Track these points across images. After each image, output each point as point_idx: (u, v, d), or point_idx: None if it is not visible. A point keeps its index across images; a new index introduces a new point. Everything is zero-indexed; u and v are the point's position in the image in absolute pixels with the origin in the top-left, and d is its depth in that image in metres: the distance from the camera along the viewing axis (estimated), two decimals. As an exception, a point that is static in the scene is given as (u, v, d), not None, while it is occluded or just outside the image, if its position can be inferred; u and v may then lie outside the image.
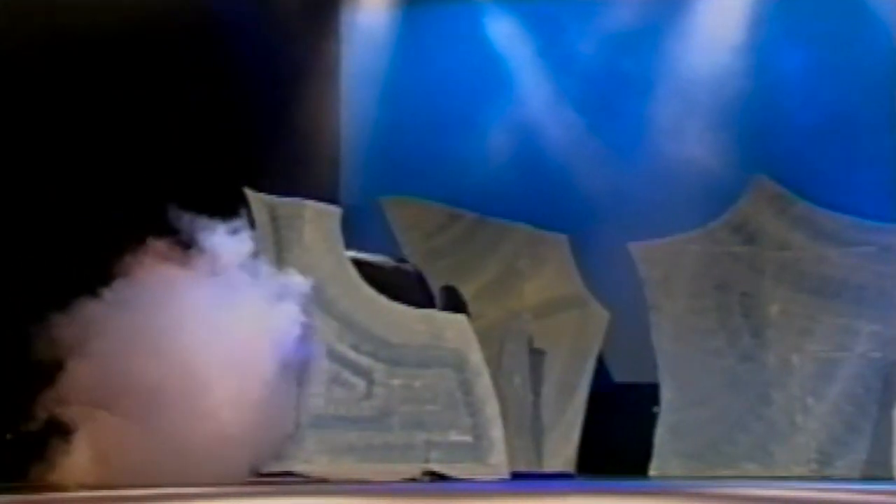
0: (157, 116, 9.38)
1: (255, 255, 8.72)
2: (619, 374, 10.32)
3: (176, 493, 7.04)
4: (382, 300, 8.89)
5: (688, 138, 10.21)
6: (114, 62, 9.19)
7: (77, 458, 8.02)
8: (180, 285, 8.29)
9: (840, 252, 9.51)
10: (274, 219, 9.08)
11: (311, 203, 9.15)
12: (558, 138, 10.56)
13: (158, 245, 8.36)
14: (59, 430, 8.10)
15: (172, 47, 9.55)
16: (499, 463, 8.62)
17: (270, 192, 9.21)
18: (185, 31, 9.61)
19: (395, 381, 8.75)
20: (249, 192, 9.04)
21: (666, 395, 9.57)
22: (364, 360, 8.82)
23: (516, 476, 8.77)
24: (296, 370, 8.73)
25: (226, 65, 9.93)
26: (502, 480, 8.53)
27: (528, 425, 9.74)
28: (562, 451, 9.84)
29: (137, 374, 8.07)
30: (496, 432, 8.62)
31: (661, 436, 9.48)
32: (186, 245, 8.49)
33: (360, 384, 8.77)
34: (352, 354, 8.88)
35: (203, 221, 8.55)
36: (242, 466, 8.19)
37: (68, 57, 8.89)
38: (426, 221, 10.65)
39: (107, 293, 8.26)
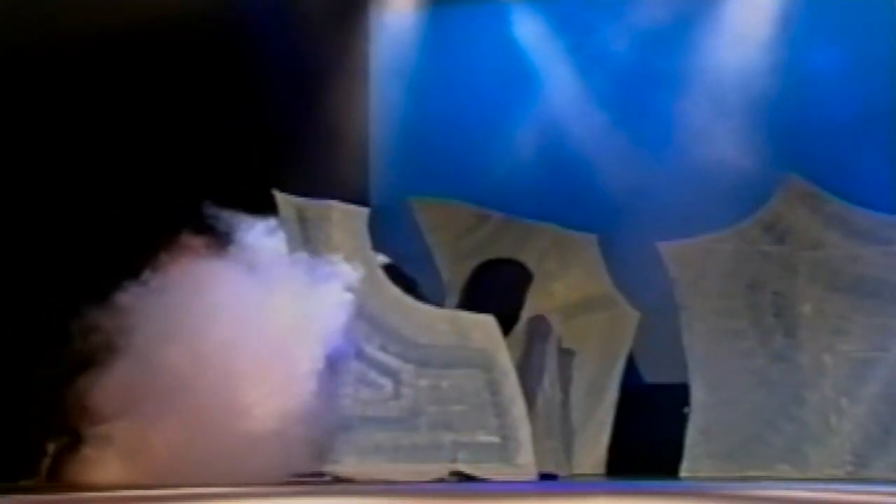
0: (189, 115, 9.50)
1: (294, 249, 8.74)
2: (650, 375, 10.26)
3: (196, 492, 7.05)
4: (409, 301, 8.88)
5: (718, 136, 10.13)
6: (149, 63, 9.35)
7: (110, 456, 8.07)
8: (217, 279, 8.31)
9: (875, 250, 9.38)
10: (302, 220, 9.10)
11: (338, 204, 9.15)
12: (586, 137, 10.53)
13: (194, 240, 8.39)
14: (93, 428, 8.18)
15: (204, 48, 9.66)
16: (526, 463, 8.60)
17: (299, 191, 9.23)
18: (217, 31, 9.71)
19: (423, 382, 8.74)
20: (277, 194, 9.07)
21: (696, 395, 9.48)
22: (392, 361, 8.81)
23: (544, 477, 8.72)
24: (334, 366, 8.69)
25: (255, 65, 10.00)
26: (530, 481, 8.48)
27: (557, 426, 9.69)
28: (592, 452, 9.80)
29: (173, 369, 8.10)
30: (523, 433, 8.60)
31: (692, 436, 9.40)
32: (223, 241, 8.52)
33: (388, 385, 8.77)
34: (380, 355, 8.88)
35: (239, 218, 8.58)
36: (280, 465, 8.16)
37: (111, 56, 9.08)
38: (454, 222, 10.63)
39: (143, 287, 8.31)
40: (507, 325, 9.24)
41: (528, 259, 10.40)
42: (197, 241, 8.41)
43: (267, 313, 8.37)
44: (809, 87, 10.18)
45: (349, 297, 8.71)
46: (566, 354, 9.97)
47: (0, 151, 8.84)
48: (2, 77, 8.65)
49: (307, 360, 8.42)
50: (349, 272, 8.79)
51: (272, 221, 8.80)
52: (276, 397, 8.23)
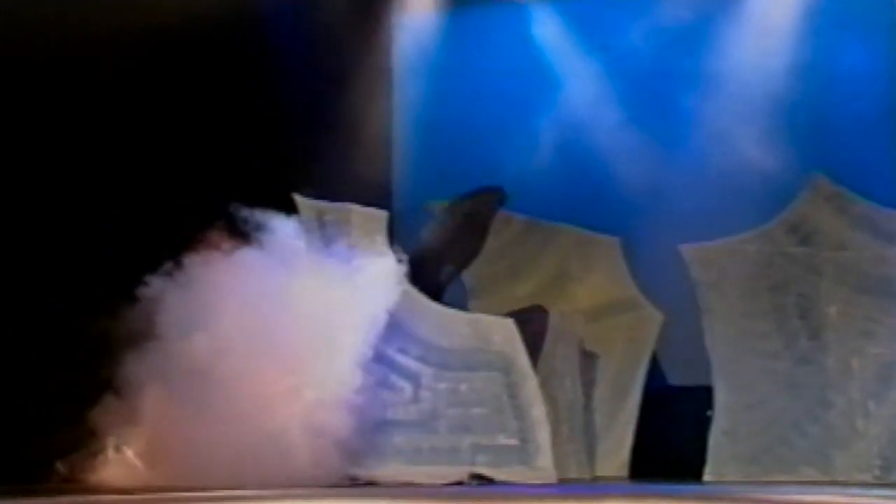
0: (213, 116, 9.61)
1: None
2: (673, 377, 10.19)
3: (215, 496, 7.08)
4: (429, 303, 8.87)
5: (741, 136, 10.02)
6: (176, 65, 9.50)
7: (131, 458, 8.11)
8: (246, 274, 8.33)
9: (902, 251, 9.28)
10: (322, 224, 9.13)
11: (357, 207, 9.17)
12: (608, 139, 10.46)
13: (221, 237, 8.42)
14: (112, 427, 8.24)
15: (226, 49, 9.79)
16: (545, 466, 8.56)
17: (322, 193, 9.26)
18: (240, 33, 9.83)
19: (442, 385, 8.73)
20: (297, 197, 9.10)
21: (720, 398, 9.39)
22: (412, 364, 8.80)
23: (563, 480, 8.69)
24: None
25: (278, 67, 10.07)
26: (549, 484, 8.45)
27: (580, 429, 9.65)
28: (615, 455, 9.75)
29: (199, 362, 8.11)
30: (542, 435, 8.56)
31: (716, 440, 9.31)
32: (251, 238, 8.56)
33: (408, 388, 8.77)
34: (400, 358, 8.87)
35: (267, 216, 8.62)
36: (310, 468, 8.15)
37: (143, 56, 9.24)
38: (476, 225, 10.60)
39: (169, 281, 8.36)
40: None
41: (552, 261, 10.38)
42: (223, 239, 8.44)
43: (301, 306, 8.33)
44: (835, 85, 10.04)
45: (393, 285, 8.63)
46: (589, 357, 9.93)
47: (41, 148, 9.06)
48: (39, 73, 8.85)
49: (349, 352, 8.37)
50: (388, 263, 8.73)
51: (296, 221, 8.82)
52: (312, 394, 8.19)
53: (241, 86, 9.91)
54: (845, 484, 8.79)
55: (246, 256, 8.46)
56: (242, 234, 8.59)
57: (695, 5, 10.35)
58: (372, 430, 8.64)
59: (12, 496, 7.15)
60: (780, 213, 9.55)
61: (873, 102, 9.90)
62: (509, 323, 8.85)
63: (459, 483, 8.50)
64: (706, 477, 9.20)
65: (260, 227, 8.58)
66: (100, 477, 8.06)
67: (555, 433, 9.32)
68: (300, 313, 8.34)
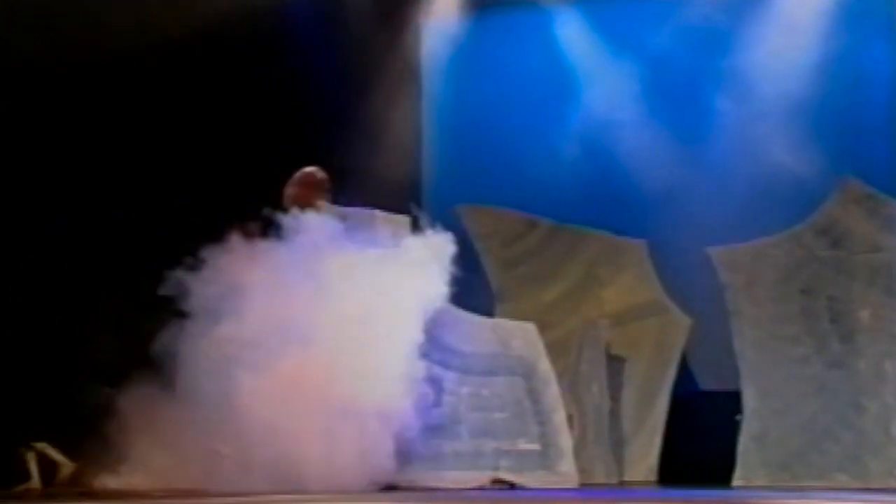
0: (239, 117, 9.71)
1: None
2: (702, 382, 10.09)
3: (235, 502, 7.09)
4: (450, 308, 8.85)
5: (769, 138, 9.91)
6: (201, 66, 9.59)
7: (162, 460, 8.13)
8: (276, 268, 8.26)
9: (937, 253, 9.12)
10: (345, 227, 9.11)
11: (380, 212, 9.17)
12: (634, 141, 10.38)
13: (249, 232, 8.41)
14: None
15: (252, 49, 9.87)
16: (568, 471, 8.50)
17: (348, 197, 9.26)
18: (266, 33, 9.93)
19: (464, 390, 8.70)
20: (320, 203, 9.09)
21: (749, 403, 9.29)
22: (434, 369, 8.77)
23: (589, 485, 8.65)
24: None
25: (304, 68, 10.16)
26: (572, 489, 8.40)
27: (607, 434, 9.59)
28: (643, 460, 9.68)
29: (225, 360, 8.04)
30: (565, 440, 8.51)
31: (745, 445, 9.21)
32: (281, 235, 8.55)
33: (430, 392, 8.73)
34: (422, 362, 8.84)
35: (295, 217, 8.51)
36: (360, 473, 8.09)
37: (172, 56, 9.33)
38: (503, 229, 10.59)
39: (196, 278, 8.27)
40: None
41: (578, 265, 10.32)
42: (251, 236, 8.40)
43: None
44: (865, 85, 9.92)
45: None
46: (616, 361, 9.86)
47: (90, 146, 9.20)
48: (70, 72, 9.00)
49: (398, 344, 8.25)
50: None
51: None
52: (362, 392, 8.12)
53: (267, 88, 9.98)
54: (879, 490, 8.67)
55: (275, 250, 8.36)
56: (269, 232, 8.59)
57: (722, 5, 10.26)
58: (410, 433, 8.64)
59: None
60: (810, 215, 9.44)
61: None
62: (531, 327, 8.81)
63: (482, 488, 8.48)
64: (735, 482, 9.11)
65: (287, 228, 8.55)
66: (120, 483, 8.09)
67: (581, 438, 9.31)
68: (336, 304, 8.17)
